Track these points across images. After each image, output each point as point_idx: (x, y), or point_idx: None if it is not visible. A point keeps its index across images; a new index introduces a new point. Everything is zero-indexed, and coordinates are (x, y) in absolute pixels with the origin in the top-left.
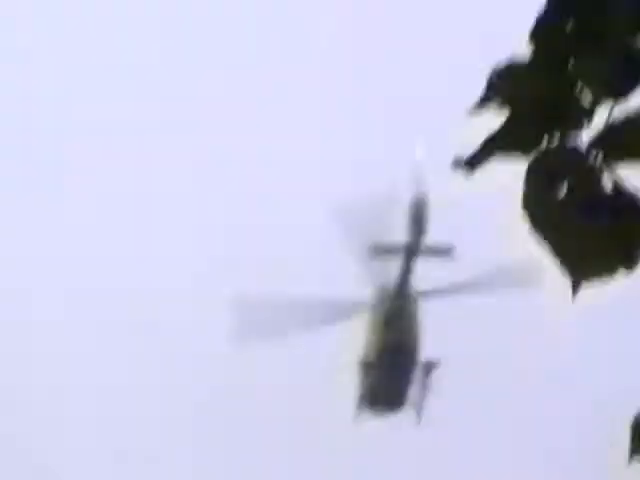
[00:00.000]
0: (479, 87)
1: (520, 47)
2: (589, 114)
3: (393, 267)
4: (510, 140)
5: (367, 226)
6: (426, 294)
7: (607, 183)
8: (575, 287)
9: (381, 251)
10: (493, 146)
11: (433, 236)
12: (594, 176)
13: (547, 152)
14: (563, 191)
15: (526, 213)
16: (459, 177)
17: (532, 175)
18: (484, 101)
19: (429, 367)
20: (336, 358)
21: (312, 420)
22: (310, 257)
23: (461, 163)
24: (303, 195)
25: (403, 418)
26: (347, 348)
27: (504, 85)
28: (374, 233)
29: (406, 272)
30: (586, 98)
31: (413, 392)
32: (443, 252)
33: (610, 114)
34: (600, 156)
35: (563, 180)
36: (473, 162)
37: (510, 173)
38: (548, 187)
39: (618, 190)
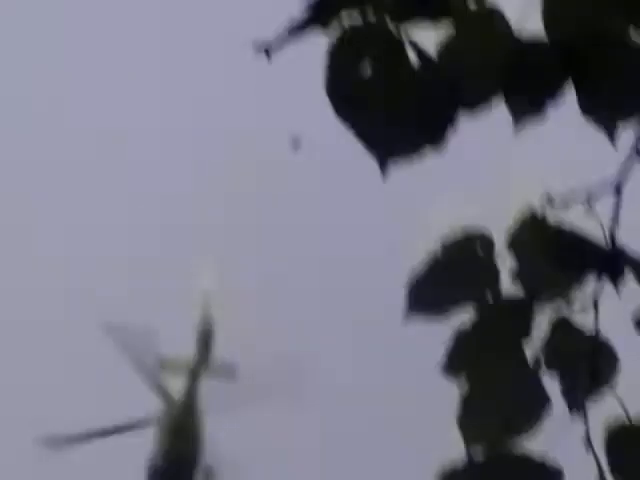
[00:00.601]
0: None
1: None
2: None
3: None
4: (312, 16)
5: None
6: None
7: (412, 55)
8: (382, 166)
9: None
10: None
11: None
12: (401, 51)
13: (348, 30)
14: (368, 70)
15: (330, 99)
16: None
17: (334, 56)
18: None
19: (208, 473)
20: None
21: None
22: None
23: (262, 47)
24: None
25: None
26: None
27: None
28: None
29: (193, 377)
30: None
31: None
32: (227, 373)
33: None
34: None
35: (367, 58)
36: (274, 46)
37: None
38: (352, 67)
39: (424, 62)
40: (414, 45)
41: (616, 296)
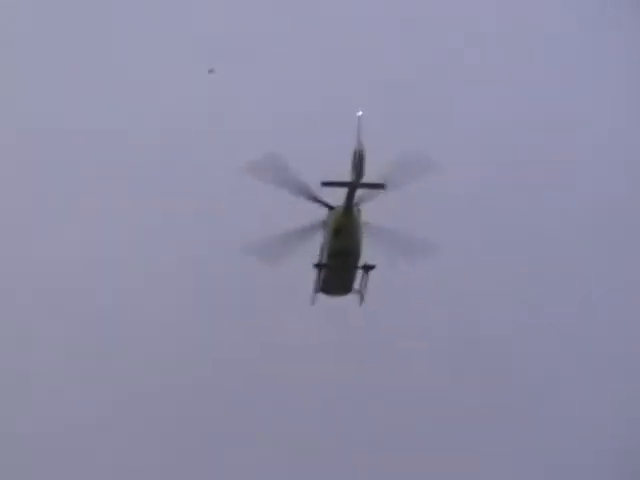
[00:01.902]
0: None
1: None
2: None
3: (341, 195)
4: None
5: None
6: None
7: None
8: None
9: (333, 184)
10: None
11: None
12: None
13: None
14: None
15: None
16: None
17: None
18: None
19: (368, 268)
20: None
21: None
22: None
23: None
24: None
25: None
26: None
27: None
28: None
29: (350, 198)
30: None
31: (356, 284)
32: (377, 186)
33: None
34: None
35: None
36: None
37: None
38: None
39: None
40: None
41: None
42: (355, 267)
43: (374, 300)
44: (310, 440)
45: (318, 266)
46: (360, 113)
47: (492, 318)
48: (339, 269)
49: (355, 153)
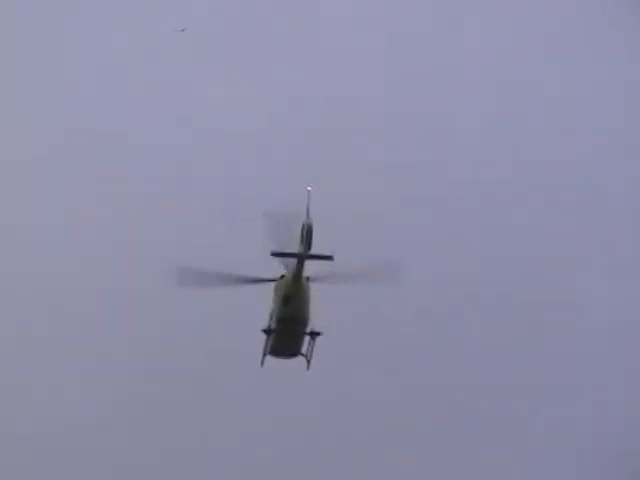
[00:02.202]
0: None
1: None
2: None
3: (291, 264)
4: None
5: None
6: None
7: None
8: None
9: (282, 254)
10: None
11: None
12: None
13: None
14: None
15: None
16: None
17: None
18: None
19: (314, 334)
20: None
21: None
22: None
23: None
24: None
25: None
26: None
27: None
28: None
29: (299, 268)
30: None
31: (304, 348)
32: (326, 258)
33: None
34: None
35: None
36: None
37: None
38: None
39: None
40: None
41: None
42: (303, 333)
43: None
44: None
45: (267, 332)
46: (309, 188)
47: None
48: (287, 335)
49: (304, 226)
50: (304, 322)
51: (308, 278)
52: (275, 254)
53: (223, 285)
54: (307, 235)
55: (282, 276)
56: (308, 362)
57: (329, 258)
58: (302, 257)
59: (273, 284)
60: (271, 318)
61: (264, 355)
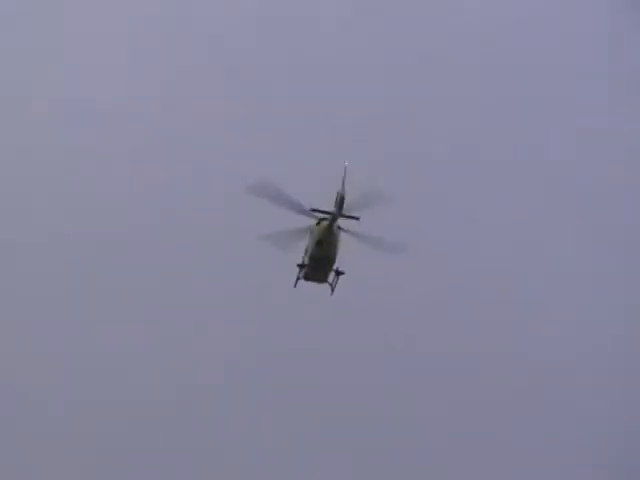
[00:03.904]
0: None
1: None
2: None
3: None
4: None
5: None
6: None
7: None
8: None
9: (319, 211)
10: None
11: None
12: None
13: None
14: None
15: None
16: None
17: None
18: None
19: (339, 273)
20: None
21: None
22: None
23: None
24: None
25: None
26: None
27: None
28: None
29: (332, 222)
30: None
31: (330, 278)
32: (353, 217)
33: None
34: None
35: None
36: None
37: None
38: None
39: None
40: None
41: None
42: (330, 269)
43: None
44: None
45: (301, 266)
46: (347, 163)
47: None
48: (318, 268)
49: (338, 194)
50: (332, 261)
51: (340, 227)
52: (314, 210)
53: (287, 207)
54: (340, 201)
55: (318, 222)
56: (332, 290)
57: (356, 218)
58: (335, 215)
59: (310, 227)
60: (305, 254)
61: (298, 279)
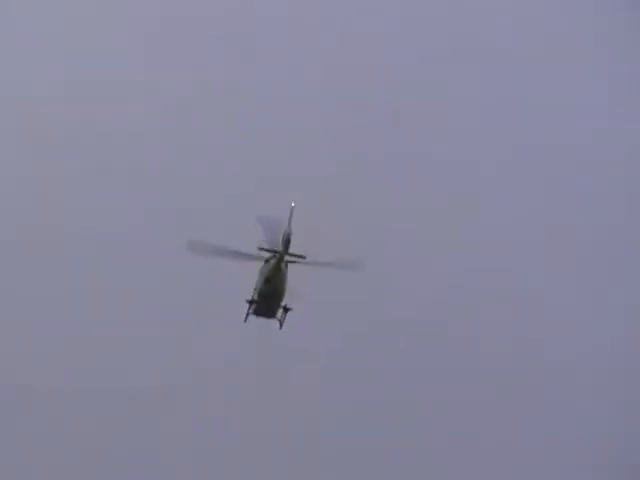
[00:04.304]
0: None
1: None
2: None
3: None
4: None
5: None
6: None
7: None
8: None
9: (266, 250)
10: None
11: None
12: None
13: None
14: None
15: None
16: None
17: None
18: None
19: (286, 309)
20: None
21: None
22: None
23: None
24: None
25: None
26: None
27: None
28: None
29: (279, 261)
30: None
31: (278, 314)
32: (299, 257)
33: None
34: None
35: None
36: None
37: None
38: None
39: None
40: None
41: None
42: (278, 305)
43: None
44: None
45: (250, 302)
46: (293, 204)
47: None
48: (266, 304)
49: (284, 234)
50: (280, 297)
51: (287, 264)
52: (261, 249)
53: (227, 257)
54: (286, 240)
55: (266, 260)
56: (281, 325)
57: (302, 257)
58: (281, 254)
59: (260, 266)
60: (254, 291)
61: (247, 314)
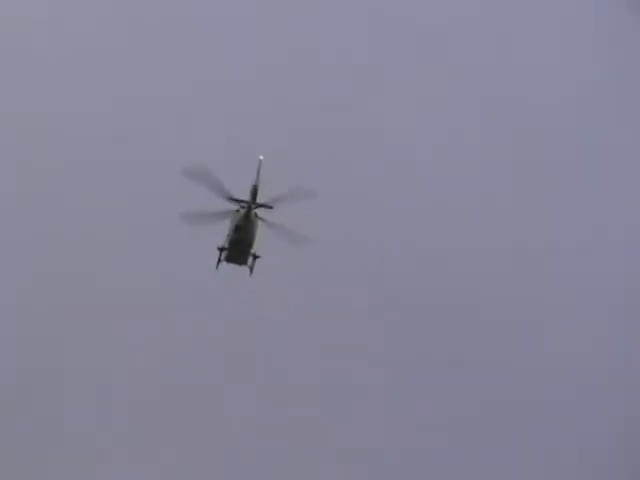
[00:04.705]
0: None
1: None
2: None
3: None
4: None
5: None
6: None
7: None
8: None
9: (236, 200)
10: None
11: None
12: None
13: None
14: None
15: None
16: None
17: None
18: None
19: (255, 256)
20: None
21: None
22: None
23: None
24: None
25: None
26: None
27: None
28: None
29: (248, 209)
30: None
31: (249, 261)
32: (266, 206)
33: None
34: None
35: None
36: None
37: None
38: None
39: None
40: None
41: None
42: (248, 252)
43: None
44: None
45: (221, 249)
46: (261, 157)
47: None
48: (237, 251)
49: (253, 186)
50: (249, 245)
51: (256, 214)
52: (231, 199)
53: (217, 193)
54: (254, 191)
55: (237, 210)
56: (251, 271)
57: (270, 207)
58: (249, 204)
59: (230, 215)
60: (226, 239)
61: (219, 261)
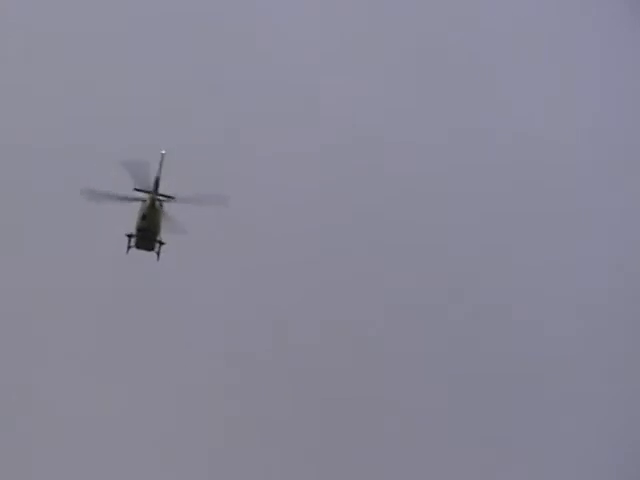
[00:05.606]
0: None
1: None
2: None
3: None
4: None
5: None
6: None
7: None
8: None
9: (140, 190)
10: None
11: None
12: None
13: None
14: None
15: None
16: None
17: None
18: None
19: (161, 243)
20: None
21: None
22: None
23: None
24: None
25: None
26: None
27: None
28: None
29: (152, 200)
30: None
31: (155, 247)
32: (169, 197)
33: None
34: None
35: None
36: None
37: None
38: None
39: None
40: None
41: None
42: (154, 239)
43: None
44: None
45: (129, 235)
46: (163, 152)
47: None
48: (144, 238)
49: (155, 178)
50: (155, 232)
51: (161, 204)
52: (136, 189)
53: (115, 200)
54: (156, 183)
55: (144, 200)
56: (158, 256)
57: (172, 198)
58: (152, 194)
59: (140, 205)
60: (135, 227)
61: (129, 247)
